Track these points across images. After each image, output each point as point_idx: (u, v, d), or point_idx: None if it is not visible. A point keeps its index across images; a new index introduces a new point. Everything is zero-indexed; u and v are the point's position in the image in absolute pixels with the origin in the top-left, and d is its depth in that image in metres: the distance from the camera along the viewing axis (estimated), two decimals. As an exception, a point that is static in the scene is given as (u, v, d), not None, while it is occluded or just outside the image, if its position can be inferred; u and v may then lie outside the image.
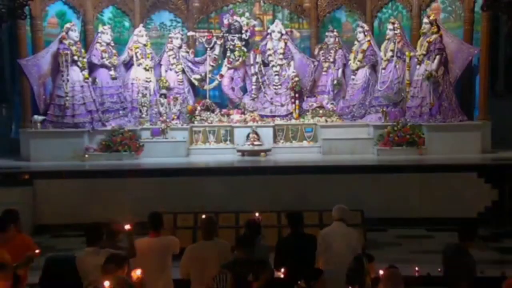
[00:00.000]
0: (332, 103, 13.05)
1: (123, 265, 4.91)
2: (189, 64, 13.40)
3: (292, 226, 6.42)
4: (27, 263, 5.64)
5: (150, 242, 5.91)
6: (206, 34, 13.59)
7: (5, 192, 9.98)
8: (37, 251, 5.78)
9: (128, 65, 13.27)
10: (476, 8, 12.23)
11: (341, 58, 13.31)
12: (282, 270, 5.62)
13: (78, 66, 12.22)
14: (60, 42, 12.17)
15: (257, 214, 6.86)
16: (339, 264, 5.68)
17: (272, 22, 13.81)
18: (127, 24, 13.89)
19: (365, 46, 12.93)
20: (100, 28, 12.92)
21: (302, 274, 5.02)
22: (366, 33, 13.06)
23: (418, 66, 12.22)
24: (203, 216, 6.43)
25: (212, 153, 12.21)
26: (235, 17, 13.42)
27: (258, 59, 13.36)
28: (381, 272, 5.00)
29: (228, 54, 13.41)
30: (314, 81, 13.44)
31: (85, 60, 12.37)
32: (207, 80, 13.37)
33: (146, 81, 12.97)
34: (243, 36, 13.35)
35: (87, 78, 12.28)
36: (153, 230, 6.05)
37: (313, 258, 6.17)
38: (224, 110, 13.09)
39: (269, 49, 13.33)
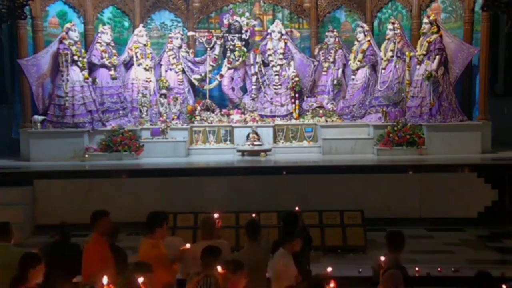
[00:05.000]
0: (332, 103, 13.04)
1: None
2: (189, 64, 13.40)
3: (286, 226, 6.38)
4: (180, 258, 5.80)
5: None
6: (206, 34, 13.58)
7: (5, 192, 10.00)
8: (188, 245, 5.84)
9: (128, 65, 13.25)
10: (476, 8, 12.21)
11: (341, 58, 13.30)
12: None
13: (78, 66, 12.20)
14: (60, 42, 12.15)
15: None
16: None
17: (272, 22, 13.79)
18: (127, 24, 13.87)
19: (365, 46, 12.92)
20: (100, 28, 12.90)
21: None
22: (366, 33, 13.05)
23: (418, 66, 12.20)
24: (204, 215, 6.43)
25: (212, 153, 12.19)
26: (235, 17, 13.42)
27: (258, 59, 13.36)
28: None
29: (228, 54, 13.41)
30: (314, 81, 13.42)
31: (85, 60, 12.34)
32: (207, 80, 13.37)
33: (146, 81, 12.96)
34: (243, 36, 13.34)
35: (87, 78, 12.26)
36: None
37: (306, 258, 6.08)
38: (224, 110, 13.09)
39: (269, 49, 13.33)
